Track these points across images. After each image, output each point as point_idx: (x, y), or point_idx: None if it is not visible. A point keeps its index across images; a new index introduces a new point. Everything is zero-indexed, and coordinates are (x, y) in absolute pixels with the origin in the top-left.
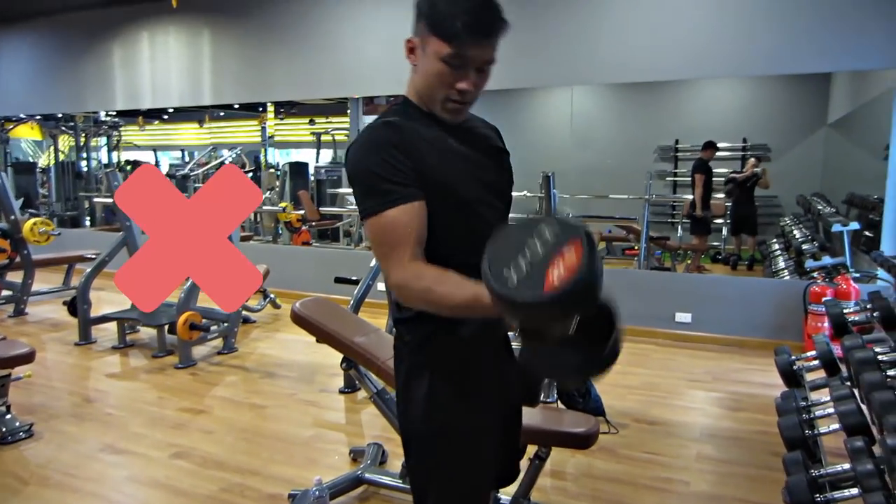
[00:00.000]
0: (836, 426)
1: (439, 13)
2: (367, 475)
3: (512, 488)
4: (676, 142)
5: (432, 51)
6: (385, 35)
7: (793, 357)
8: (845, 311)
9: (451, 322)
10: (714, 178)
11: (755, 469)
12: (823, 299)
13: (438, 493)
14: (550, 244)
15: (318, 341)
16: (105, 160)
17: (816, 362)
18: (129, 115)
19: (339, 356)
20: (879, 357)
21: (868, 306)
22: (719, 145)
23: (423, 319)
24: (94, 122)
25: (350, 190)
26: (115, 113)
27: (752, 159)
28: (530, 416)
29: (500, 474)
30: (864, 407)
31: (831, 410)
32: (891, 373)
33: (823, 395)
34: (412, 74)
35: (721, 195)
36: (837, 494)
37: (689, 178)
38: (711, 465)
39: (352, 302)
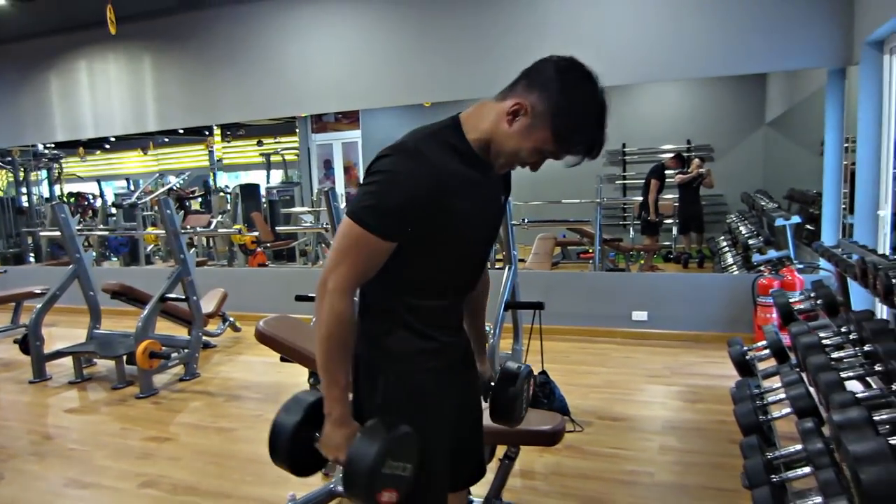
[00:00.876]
0: (787, 410)
1: (566, 118)
2: (339, 488)
3: (483, 489)
4: (623, 145)
5: (537, 136)
6: (330, 52)
7: (745, 348)
8: (791, 300)
9: (411, 316)
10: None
11: (716, 457)
12: (771, 290)
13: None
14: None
15: (282, 359)
16: (46, 194)
17: (767, 351)
18: (70, 147)
19: (304, 375)
20: (823, 341)
21: (812, 295)
22: (664, 147)
23: (385, 315)
24: (32, 155)
25: (303, 210)
26: (53, 145)
27: (696, 160)
28: None
29: (461, 476)
30: (812, 390)
31: (782, 396)
32: (835, 355)
33: (775, 381)
34: (494, 121)
35: (670, 196)
36: (791, 474)
37: (638, 181)
38: (674, 455)
39: (313, 319)
